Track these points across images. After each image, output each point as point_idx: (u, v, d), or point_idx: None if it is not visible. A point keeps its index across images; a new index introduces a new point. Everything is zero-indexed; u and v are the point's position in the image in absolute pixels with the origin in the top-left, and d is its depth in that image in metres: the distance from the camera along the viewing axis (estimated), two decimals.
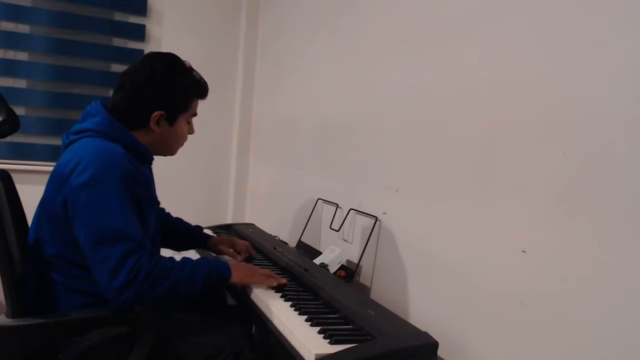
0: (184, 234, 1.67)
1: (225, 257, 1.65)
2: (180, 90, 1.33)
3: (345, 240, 1.84)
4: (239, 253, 1.65)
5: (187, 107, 1.36)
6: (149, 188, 1.28)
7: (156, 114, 1.29)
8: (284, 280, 1.37)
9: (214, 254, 1.69)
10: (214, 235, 1.75)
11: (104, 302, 1.18)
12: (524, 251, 1.15)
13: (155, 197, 1.34)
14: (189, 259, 1.24)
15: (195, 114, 1.41)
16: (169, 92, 1.31)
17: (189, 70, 1.36)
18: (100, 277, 1.11)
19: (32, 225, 1.25)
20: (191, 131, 1.41)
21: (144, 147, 1.30)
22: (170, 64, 1.33)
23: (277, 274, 1.49)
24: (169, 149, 1.40)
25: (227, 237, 1.77)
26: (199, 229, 1.73)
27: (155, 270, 1.12)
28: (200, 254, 1.79)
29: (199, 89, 1.38)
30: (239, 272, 1.30)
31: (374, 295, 1.66)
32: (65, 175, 1.15)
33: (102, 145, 1.19)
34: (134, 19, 2.71)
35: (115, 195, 1.13)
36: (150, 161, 1.37)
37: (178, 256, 1.28)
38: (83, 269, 1.17)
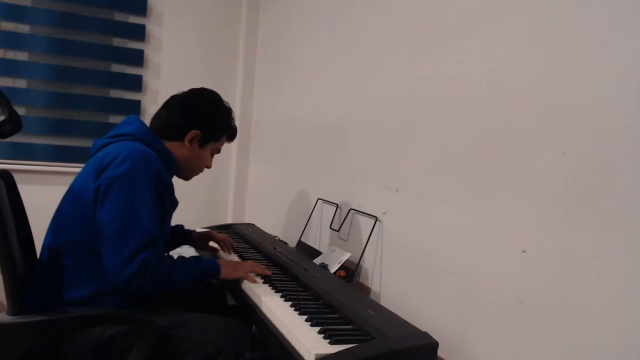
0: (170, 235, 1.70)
1: (221, 254, 1.74)
2: (219, 119, 1.50)
3: (345, 240, 1.84)
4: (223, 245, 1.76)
5: (218, 137, 1.51)
6: (173, 193, 1.38)
7: (193, 132, 1.43)
8: (268, 272, 1.47)
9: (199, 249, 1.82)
10: (193, 230, 1.82)
11: (111, 292, 1.23)
12: (524, 251, 1.15)
13: (176, 202, 1.43)
14: (184, 257, 1.35)
15: (219, 151, 1.55)
16: (210, 117, 1.48)
17: (230, 110, 1.54)
18: (112, 262, 1.18)
19: (54, 215, 1.33)
20: (209, 165, 1.54)
21: (172, 157, 1.41)
22: (218, 97, 1.53)
23: (276, 274, 1.50)
24: (188, 171, 1.52)
25: (206, 231, 1.84)
26: (180, 227, 1.79)
27: (162, 267, 1.23)
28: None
29: (231, 130, 1.55)
30: (227, 268, 1.42)
31: (374, 295, 1.66)
32: (103, 165, 1.23)
33: (139, 146, 1.29)
34: (134, 19, 2.71)
35: (146, 193, 1.23)
36: (173, 173, 1.45)
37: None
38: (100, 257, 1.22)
